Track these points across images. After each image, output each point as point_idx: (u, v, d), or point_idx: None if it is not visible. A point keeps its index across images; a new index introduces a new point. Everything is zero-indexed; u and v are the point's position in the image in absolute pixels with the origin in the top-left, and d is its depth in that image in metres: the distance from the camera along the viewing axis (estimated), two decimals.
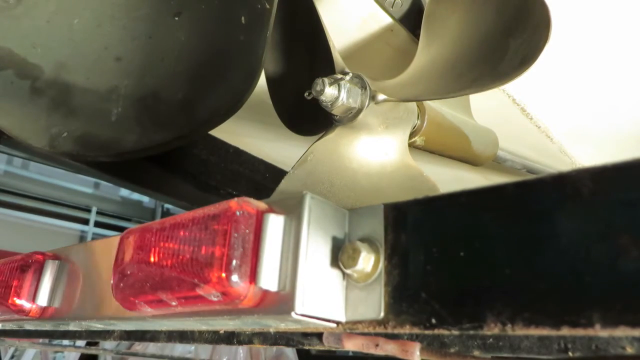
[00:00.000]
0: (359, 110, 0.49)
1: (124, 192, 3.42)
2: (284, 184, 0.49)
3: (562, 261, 0.20)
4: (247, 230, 0.25)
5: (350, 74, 0.49)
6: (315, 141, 0.51)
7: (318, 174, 0.50)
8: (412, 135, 0.59)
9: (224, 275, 0.24)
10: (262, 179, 1.03)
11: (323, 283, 0.25)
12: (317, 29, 0.52)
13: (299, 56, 0.58)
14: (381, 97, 0.49)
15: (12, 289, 0.41)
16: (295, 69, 0.59)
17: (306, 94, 0.48)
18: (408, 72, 0.52)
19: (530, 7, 0.42)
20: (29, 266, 0.42)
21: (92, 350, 1.57)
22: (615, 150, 0.90)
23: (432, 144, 0.62)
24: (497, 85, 0.42)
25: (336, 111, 0.49)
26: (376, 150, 0.54)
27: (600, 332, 0.18)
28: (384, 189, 0.52)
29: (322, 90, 0.46)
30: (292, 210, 0.26)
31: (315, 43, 0.53)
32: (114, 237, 0.36)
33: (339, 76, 0.47)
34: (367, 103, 0.49)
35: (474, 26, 0.48)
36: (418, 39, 0.63)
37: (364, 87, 0.49)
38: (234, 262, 0.24)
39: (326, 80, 0.46)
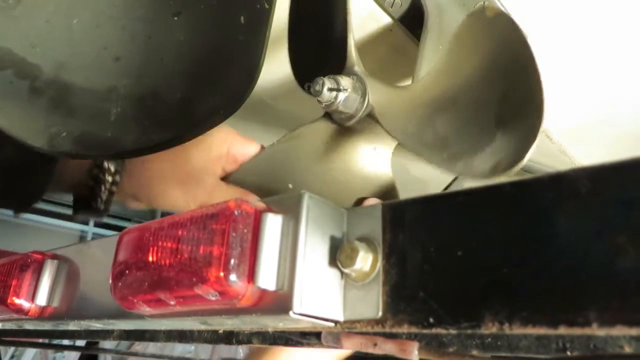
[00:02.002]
0: (352, 117, 0.49)
1: None
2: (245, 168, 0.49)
3: (559, 260, 0.20)
4: (246, 230, 0.25)
5: (354, 77, 0.49)
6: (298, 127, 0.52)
7: (285, 162, 0.50)
8: None
9: (222, 274, 0.24)
10: None
11: (321, 282, 0.25)
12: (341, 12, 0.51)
13: (316, 32, 0.57)
14: (375, 112, 0.49)
15: (11, 288, 0.41)
16: (311, 40, 0.58)
17: (305, 86, 0.48)
18: (406, 98, 0.51)
19: (529, 104, 0.40)
20: (28, 266, 0.42)
21: (91, 350, 1.57)
22: (615, 151, 0.90)
23: None
24: (468, 176, 0.41)
25: (329, 110, 0.49)
26: (359, 156, 0.54)
27: (597, 331, 0.18)
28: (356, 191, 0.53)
29: (320, 92, 0.46)
30: (290, 210, 0.26)
31: (333, 28, 0.53)
32: (113, 237, 0.36)
33: (341, 79, 0.47)
34: (361, 114, 0.49)
35: (478, 92, 0.46)
36: (417, 39, 0.63)
37: (363, 95, 0.49)
38: (232, 261, 0.24)
39: (326, 82, 0.46)
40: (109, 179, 0.55)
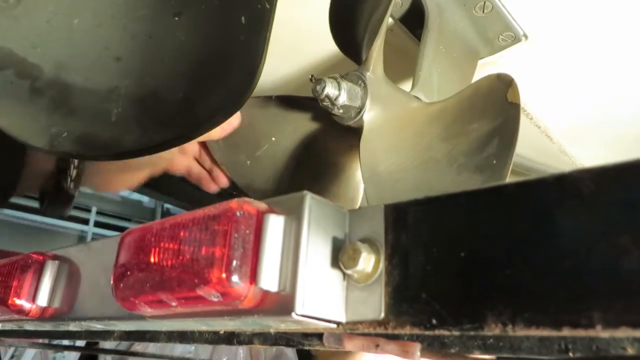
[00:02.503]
0: (350, 119, 0.50)
1: (124, 192, 3.41)
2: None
3: (562, 261, 0.20)
4: (248, 231, 0.25)
5: (361, 84, 0.49)
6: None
7: (297, 160, 0.50)
8: None
9: (224, 275, 0.24)
10: None
11: (323, 283, 0.25)
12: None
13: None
14: (361, 131, 0.49)
15: (12, 289, 0.41)
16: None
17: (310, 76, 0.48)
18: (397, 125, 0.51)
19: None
20: (28, 266, 0.42)
21: (91, 351, 1.57)
22: (615, 151, 0.90)
23: None
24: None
25: (329, 110, 0.49)
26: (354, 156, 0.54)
27: (601, 332, 0.18)
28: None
29: (320, 92, 0.46)
30: (293, 211, 0.26)
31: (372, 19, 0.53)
32: (114, 237, 0.36)
33: (343, 84, 0.47)
34: (355, 121, 0.49)
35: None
36: (418, 39, 0.63)
37: (361, 106, 0.49)
38: (234, 262, 0.24)
39: (328, 85, 0.47)
40: (74, 170, 0.59)
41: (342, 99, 0.47)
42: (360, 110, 0.48)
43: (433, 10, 0.62)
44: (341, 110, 0.48)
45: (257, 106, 0.63)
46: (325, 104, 0.47)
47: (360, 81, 0.49)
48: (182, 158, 0.75)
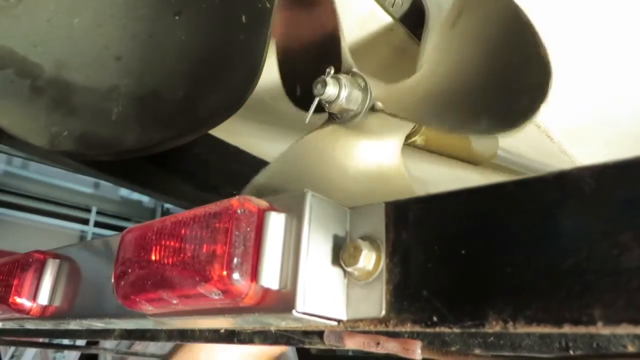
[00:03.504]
0: (356, 114, 0.49)
1: (124, 192, 3.41)
2: (263, 175, 0.49)
3: (563, 259, 0.20)
4: (249, 229, 0.25)
5: (353, 75, 0.49)
6: (307, 134, 0.51)
7: (300, 168, 0.50)
8: (412, 134, 0.59)
9: (225, 273, 0.24)
10: None
11: (324, 281, 0.25)
12: (330, 19, 0.52)
13: (309, 42, 0.57)
14: (379, 105, 0.49)
15: (13, 287, 0.41)
16: (304, 53, 0.58)
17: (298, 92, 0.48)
18: (413, 85, 0.51)
19: (533, 63, 0.39)
20: (29, 265, 0.42)
21: (92, 350, 1.57)
22: (615, 150, 0.90)
23: (432, 144, 0.62)
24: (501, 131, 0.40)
25: (333, 110, 0.49)
26: (369, 154, 0.54)
27: (602, 330, 0.18)
28: (372, 195, 0.52)
29: (322, 91, 0.46)
30: (293, 209, 0.26)
31: (326, 34, 0.53)
32: (115, 236, 0.36)
33: (341, 77, 0.47)
34: (365, 108, 0.49)
35: (479, 69, 0.45)
36: (418, 38, 0.63)
37: (365, 91, 0.49)
38: (235, 260, 0.24)
39: (328, 81, 0.46)
40: None
41: (344, 93, 0.47)
42: (365, 97, 0.49)
43: (433, 10, 0.62)
44: (346, 104, 0.48)
45: None
46: (328, 102, 0.47)
47: (352, 73, 0.49)
48: None
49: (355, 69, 0.50)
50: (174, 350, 0.67)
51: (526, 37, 0.39)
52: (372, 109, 0.49)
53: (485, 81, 0.43)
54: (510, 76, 0.41)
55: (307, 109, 0.48)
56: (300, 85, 0.57)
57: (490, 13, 0.44)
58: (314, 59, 0.56)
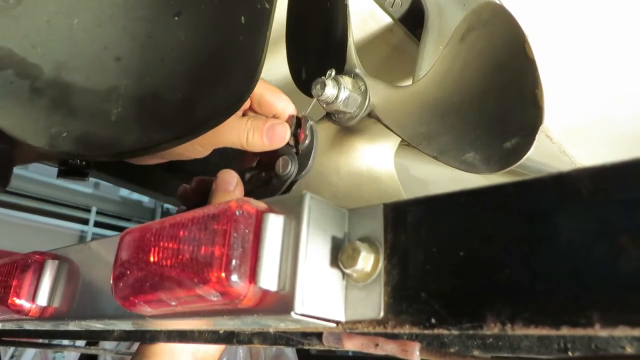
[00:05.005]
0: (352, 117, 0.50)
1: (124, 192, 3.42)
2: None
3: (561, 261, 0.20)
4: (247, 230, 0.25)
5: (355, 78, 0.49)
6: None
7: None
8: None
9: (223, 275, 0.24)
10: None
11: (323, 283, 0.25)
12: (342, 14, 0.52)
13: (315, 38, 0.57)
14: (376, 114, 0.49)
15: (12, 288, 0.41)
16: (310, 48, 0.58)
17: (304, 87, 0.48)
18: (413, 93, 0.51)
19: (528, 102, 0.39)
20: (28, 266, 0.42)
21: (91, 350, 1.57)
22: (615, 151, 0.90)
23: None
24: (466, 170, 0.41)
25: (329, 110, 0.49)
26: (363, 155, 0.54)
27: (600, 331, 0.18)
28: (360, 194, 0.53)
29: (321, 92, 0.46)
30: (292, 210, 0.26)
31: (335, 27, 0.53)
32: (114, 237, 0.36)
33: (341, 80, 0.47)
34: (362, 113, 0.49)
35: (476, 91, 0.44)
36: (418, 39, 0.63)
37: (364, 95, 0.49)
38: (234, 262, 0.24)
39: (328, 82, 0.47)
40: None
41: (343, 96, 0.47)
42: (363, 102, 0.49)
43: (433, 10, 0.62)
44: (344, 107, 0.48)
45: None
46: (326, 103, 0.47)
47: (354, 76, 0.49)
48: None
49: (357, 70, 0.50)
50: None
51: (527, 73, 0.39)
52: (369, 115, 0.49)
53: (480, 105, 0.43)
54: (504, 108, 0.42)
55: (309, 94, 0.48)
56: (306, 69, 0.57)
57: (499, 39, 0.44)
58: (321, 47, 0.56)
